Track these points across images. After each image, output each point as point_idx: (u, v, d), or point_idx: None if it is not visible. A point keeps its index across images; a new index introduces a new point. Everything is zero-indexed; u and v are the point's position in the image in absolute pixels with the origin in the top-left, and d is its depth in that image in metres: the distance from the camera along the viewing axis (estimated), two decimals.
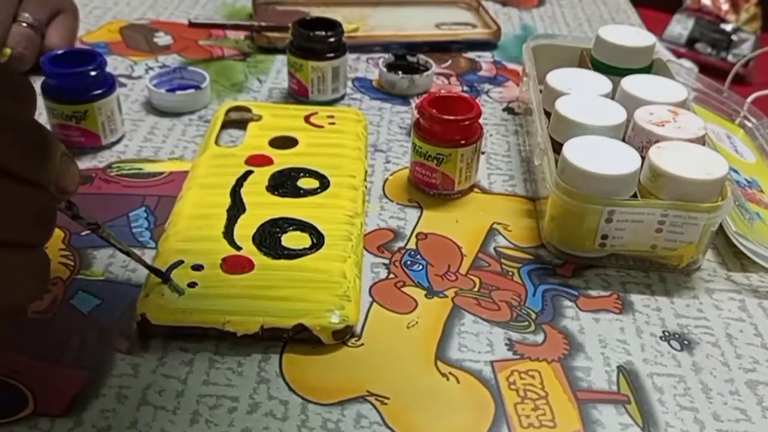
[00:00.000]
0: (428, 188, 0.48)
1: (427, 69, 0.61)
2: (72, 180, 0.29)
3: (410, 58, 0.63)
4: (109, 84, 0.50)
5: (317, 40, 0.55)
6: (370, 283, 0.41)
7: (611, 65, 0.53)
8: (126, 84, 0.59)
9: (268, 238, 0.41)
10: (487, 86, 0.63)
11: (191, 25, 0.65)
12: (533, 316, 0.39)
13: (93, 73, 0.48)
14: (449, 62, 0.66)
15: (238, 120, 0.53)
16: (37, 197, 0.27)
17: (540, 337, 0.38)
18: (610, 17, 0.80)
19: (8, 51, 0.54)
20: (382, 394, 0.34)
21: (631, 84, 0.49)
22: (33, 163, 0.27)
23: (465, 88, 0.62)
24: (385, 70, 0.61)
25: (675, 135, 0.44)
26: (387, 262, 0.42)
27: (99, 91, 0.49)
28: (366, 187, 0.48)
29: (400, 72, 0.61)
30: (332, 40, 0.56)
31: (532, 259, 0.43)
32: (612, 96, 0.49)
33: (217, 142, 0.50)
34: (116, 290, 0.39)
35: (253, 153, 0.48)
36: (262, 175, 0.46)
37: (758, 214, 0.47)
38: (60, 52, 0.50)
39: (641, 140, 0.44)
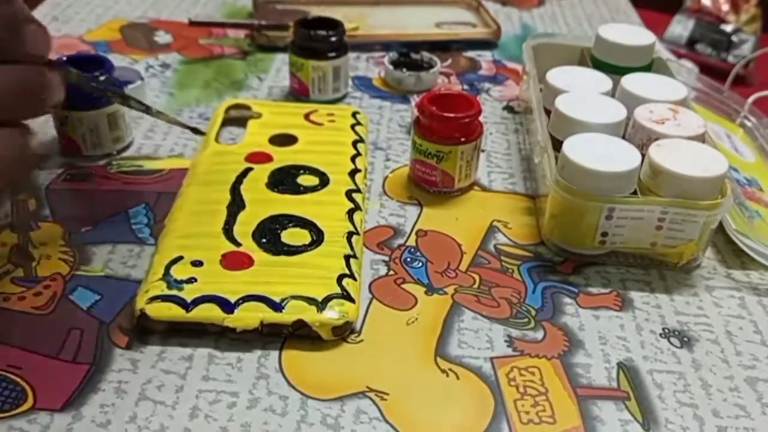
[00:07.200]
0: (428, 186, 0.48)
1: (432, 66, 0.61)
2: (45, 44, 0.31)
3: (414, 56, 0.63)
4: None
5: (318, 40, 0.55)
6: (370, 280, 0.41)
7: (611, 64, 0.53)
8: None
9: (268, 234, 0.41)
10: (487, 85, 0.63)
11: (191, 23, 0.65)
12: (533, 313, 0.39)
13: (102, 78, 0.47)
14: (449, 61, 0.66)
15: (238, 117, 0.53)
16: (19, 72, 0.29)
17: (540, 334, 0.38)
18: (610, 17, 0.80)
19: None
20: (381, 390, 0.34)
21: (631, 82, 0.49)
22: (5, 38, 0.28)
23: (465, 87, 0.62)
24: (391, 67, 0.60)
25: (675, 132, 0.44)
26: (387, 259, 0.42)
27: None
28: (366, 184, 0.48)
29: (405, 69, 0.61)
30: (333, 39, 0.56)
31: (532, 256, 0.43)
32: (612, 94, 0.49)
33: (217, 140, 0.50)
34: (115, 286, 0.39)
35: (253, 150, 0.48)
36: (261, 172, 0.46)
37: (758, 213, 0.47)
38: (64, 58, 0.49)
39: (641, 138, 0.44)
